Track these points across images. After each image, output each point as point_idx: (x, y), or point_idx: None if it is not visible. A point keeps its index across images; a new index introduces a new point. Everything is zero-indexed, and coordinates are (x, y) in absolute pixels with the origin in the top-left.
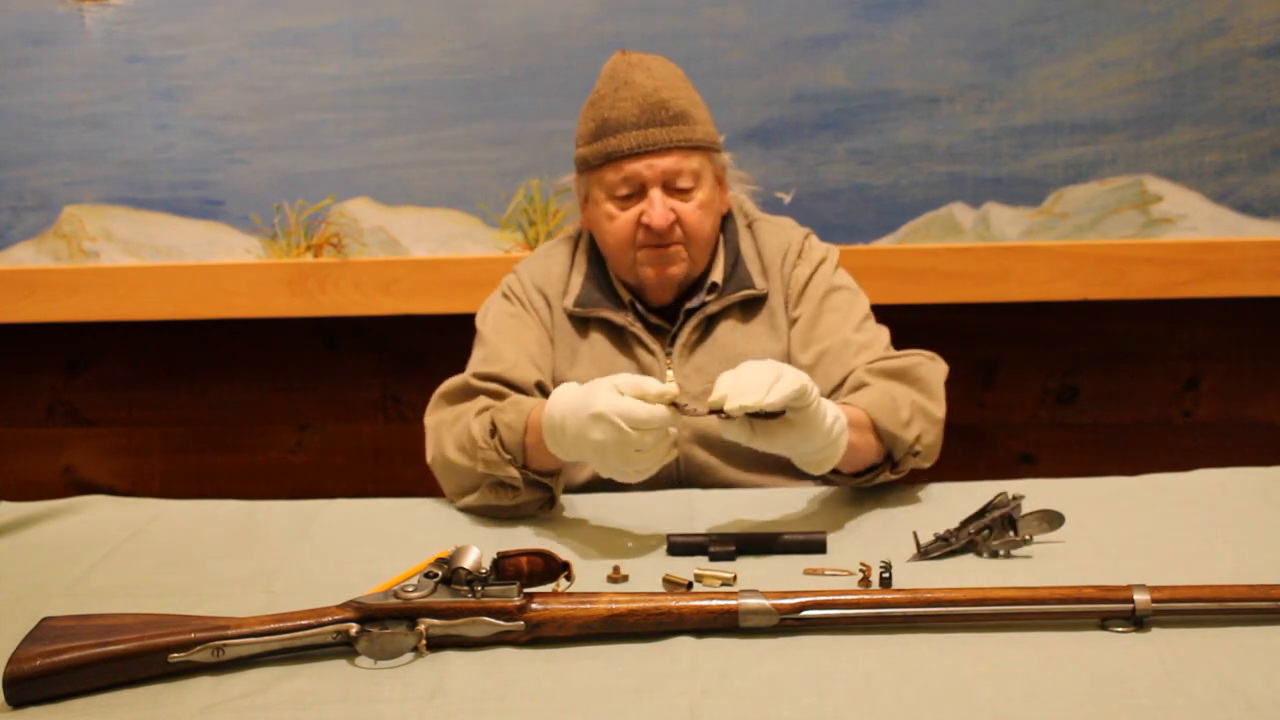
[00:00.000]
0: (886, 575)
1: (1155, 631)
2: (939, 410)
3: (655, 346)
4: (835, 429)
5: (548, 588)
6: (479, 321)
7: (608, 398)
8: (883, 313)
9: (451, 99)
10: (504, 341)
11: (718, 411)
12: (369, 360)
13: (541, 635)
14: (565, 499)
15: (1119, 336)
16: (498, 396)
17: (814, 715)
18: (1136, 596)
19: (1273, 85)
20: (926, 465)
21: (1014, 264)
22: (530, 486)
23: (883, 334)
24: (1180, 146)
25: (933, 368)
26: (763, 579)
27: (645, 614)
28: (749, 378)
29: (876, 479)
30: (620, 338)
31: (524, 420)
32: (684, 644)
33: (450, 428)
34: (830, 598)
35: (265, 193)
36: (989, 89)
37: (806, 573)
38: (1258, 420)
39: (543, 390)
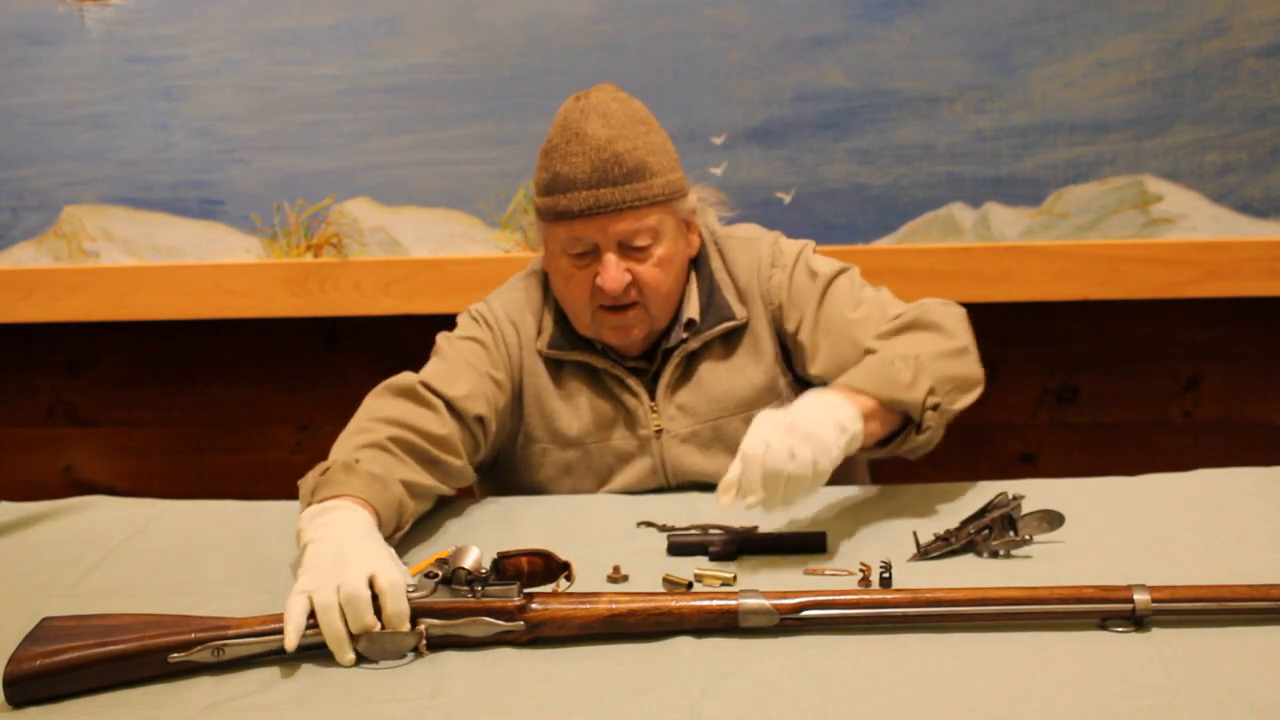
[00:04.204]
0: (886, 575)
1: (1155, 631)
2: (951, 342)
3: (638, 388)
4: (843, 453)
5: (548, 588)
6: (441, 337)
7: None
8: None
9: (451, 99)
10: (463, 365)
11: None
12: (369, 360)
13: (541, 635)
14: (566, 499)
15: (1119, 336)
16: (434, 409)
17: (814, 715)
18: (1136, 596)
19: (1273, 85)
20: (969, 401)
21: (1014, 264)
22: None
23: (881, 294)
24: (1180, 146)
25: (942, 310)
26: (763, 579)
27: (645, 614)
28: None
29: (903, 446)
30: (599, 381)
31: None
32: (684, 644)
33: (366, 419)
34: (830, 598)
35: (265, 193)
36: (989, 89)
37: (806, 573)
38: (1258, 420)
39: (483, 424)
